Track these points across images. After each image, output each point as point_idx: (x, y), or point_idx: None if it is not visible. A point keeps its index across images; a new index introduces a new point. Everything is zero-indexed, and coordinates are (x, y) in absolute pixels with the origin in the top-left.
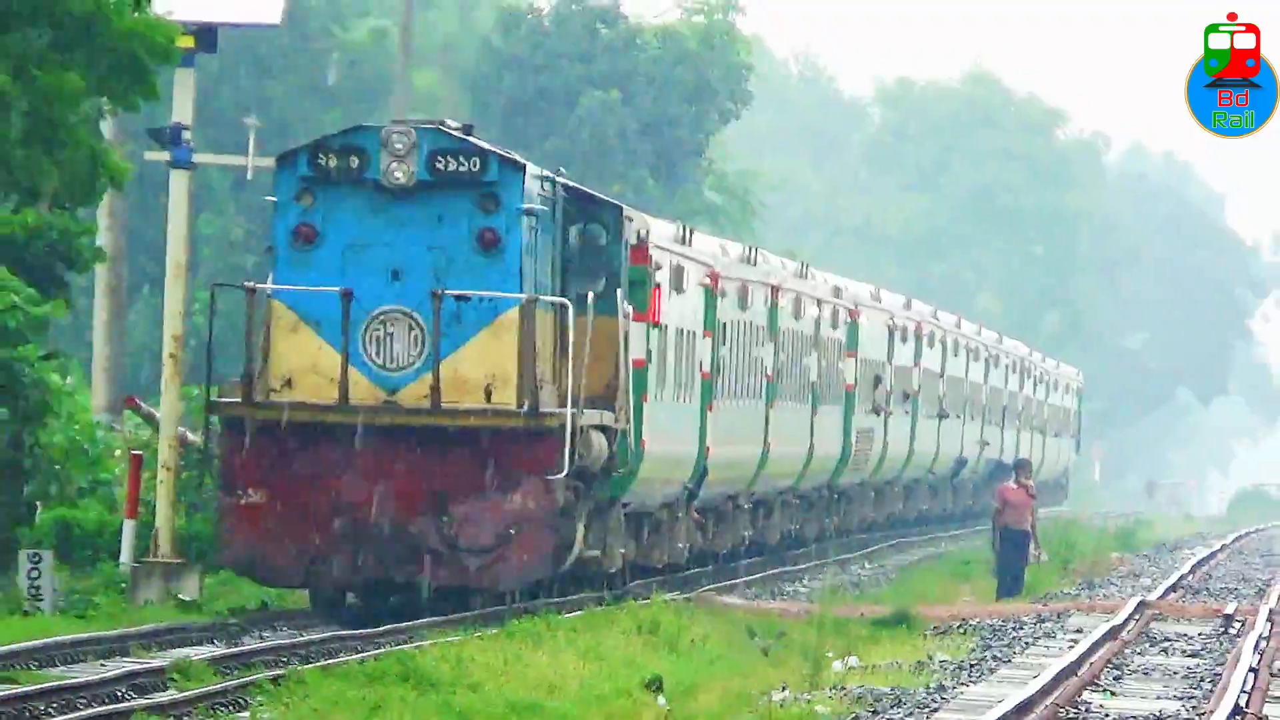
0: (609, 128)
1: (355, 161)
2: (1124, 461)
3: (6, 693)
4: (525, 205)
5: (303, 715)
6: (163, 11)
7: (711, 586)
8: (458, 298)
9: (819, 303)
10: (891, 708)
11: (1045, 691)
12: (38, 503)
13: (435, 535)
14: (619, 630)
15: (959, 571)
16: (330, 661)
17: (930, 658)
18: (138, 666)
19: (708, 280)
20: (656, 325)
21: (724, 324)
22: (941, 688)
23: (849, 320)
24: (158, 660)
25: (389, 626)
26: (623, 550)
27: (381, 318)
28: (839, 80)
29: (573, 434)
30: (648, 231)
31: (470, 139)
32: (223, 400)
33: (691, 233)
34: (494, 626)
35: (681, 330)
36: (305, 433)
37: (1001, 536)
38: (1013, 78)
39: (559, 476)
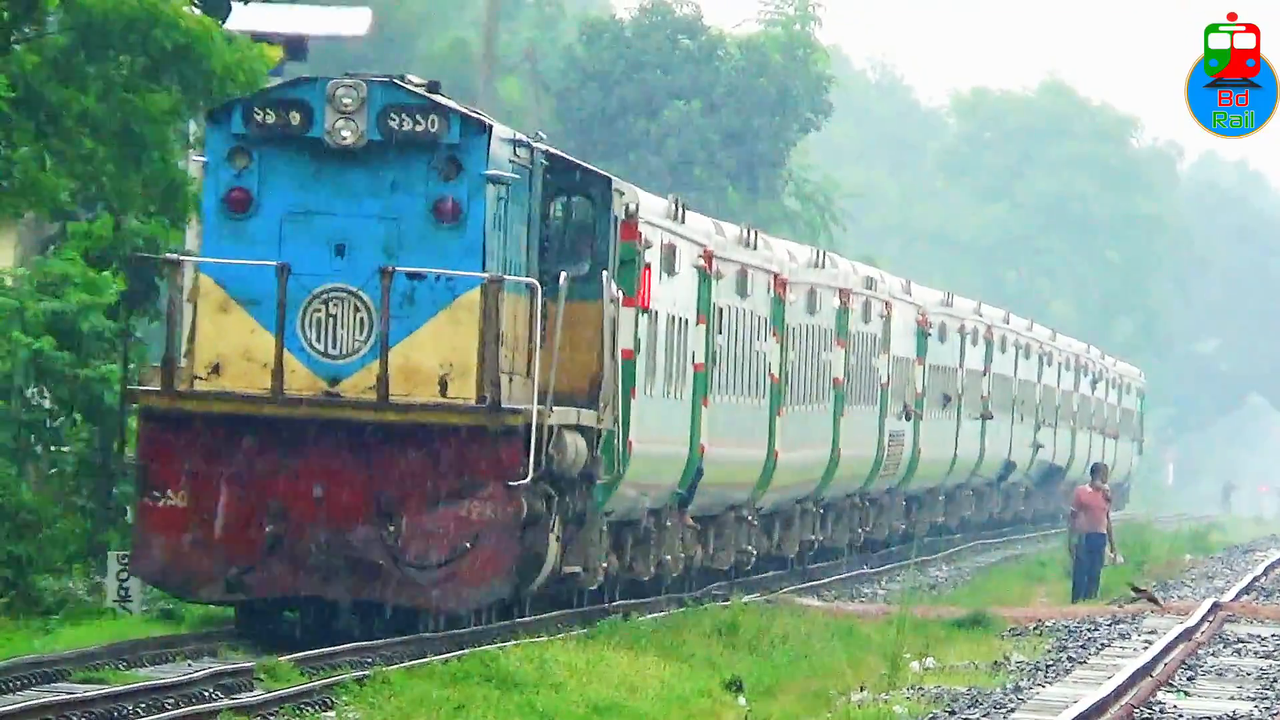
0: (691, 139)
1: (296, 118)
2: (1197, 465)
3: (96, 692)
4: (491, 171)
5: (388, 715)
6: (257, 23)
7: (791, 589)
8: (411, 275)
9: (841, 294)
10: (968, 708)
11: (1120, 692)
12: (126, 506)
13: (379, 548)
14: (699, 631)
15: (1035, 574)
16: (415, 662)
17: (1006, 658)
18: (225, 667)
19: (702, 261)
20: (646, 311)
21: (719, 310)
22: (1018, 688)
23: (883, 314)
24: (245, 661)
25: (472, 629)
26: (605, 565)
27: (323, 297)
28: (916, 90)
29: (540, 434)
30: (637, 205)
31: (429, 94)
32: (141, 389)
33: (684, 208)
34: (578, 627)
35: (673, 317)
36: (233, 427)
37: (1078, 539)
38: (1087, 87)
39: (523, 482)
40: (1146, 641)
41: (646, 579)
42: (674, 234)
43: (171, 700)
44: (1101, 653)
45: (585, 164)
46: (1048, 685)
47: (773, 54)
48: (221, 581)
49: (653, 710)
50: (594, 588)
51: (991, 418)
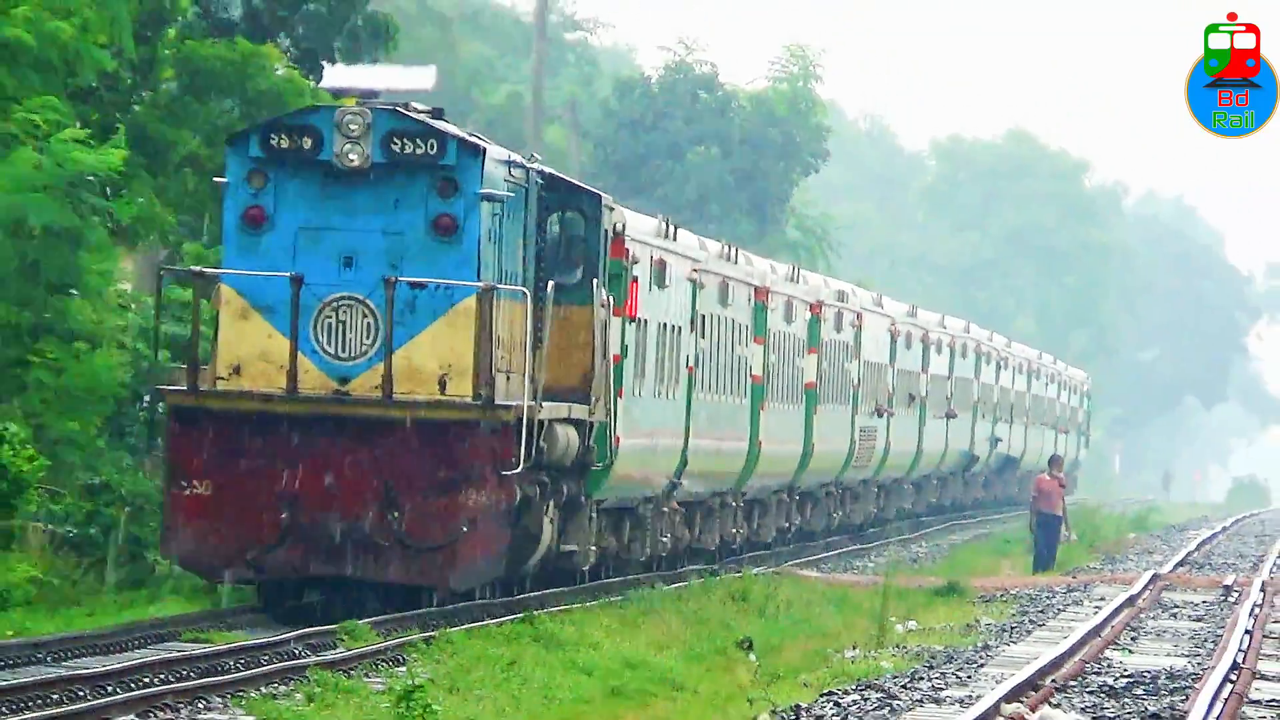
0: (709, 179)
1: (308, 142)
2: (1140, 457)
3: (201, 650)
4: (485, 190)
5: (451, 669)
6: (339, 80)
7: (794, 562)
8: (412, 285)
9: (814, 306)
10: (945, 663)
11: (1074, 650)
12: None
13: (385, 531)
14: (716, 598)
15: (1001, 549)
16: (473, 625)
17: (977, 621)
18: (311, 630)
19: (694, 275)
20: (634, 319)
21: (703, 318)
22: (987, 646)
23: (854, 325)
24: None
25: (522, 596)
26: (594, 546)
27: (333, 305)
28: (900, 136)
29: (530, 427)
30: (624, 224)
31: (428, 120)
32: (169, 388)
33: (676, 228)
34: (614, 595)
35: (664, 325)
36: (252, 423)
37: (1037, 520)
38: (1046, 134)
39: (515, 471)
40: (1096, 607)
41: (643, 559)
42: (665, 250)
43: (266, 657)
44: (1058, 616)
45: (577, 182)
46: (1012, 644)
47: (779, 107)
48: (242, 562)
49: (677, 665)
50: (587, 566)
51: (955, 416)
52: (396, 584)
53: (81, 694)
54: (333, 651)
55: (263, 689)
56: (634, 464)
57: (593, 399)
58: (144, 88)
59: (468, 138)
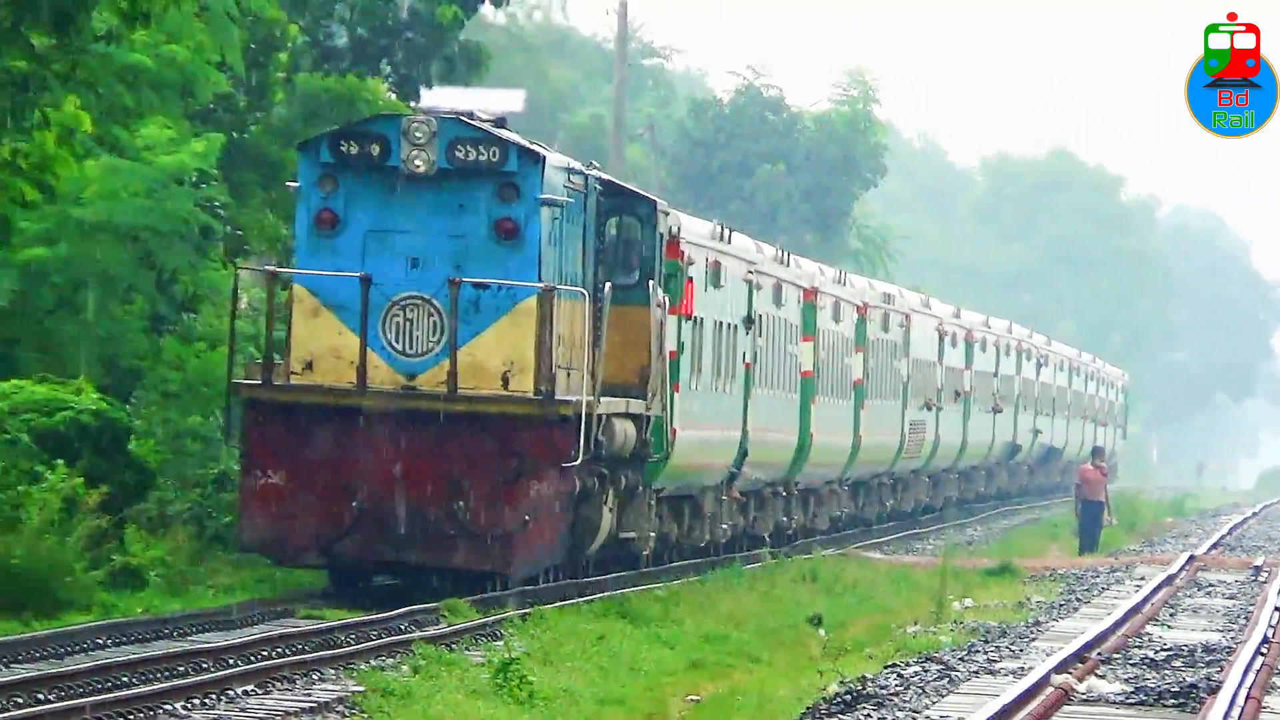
0: (776, 193)
1: (376, 149)
2: (1176, 449)
3: (317, 626)
4: (545, 195)
5: (545, 643)
6: (435, 102)
7: (859, 544)
8: (476, 285)
9: (861, 307)
10: (999, 638)
11: (1116, 625)
12: None
13: (450, 520)
14: (788, 578)
15: (1049, 533)
16: (564, 602)
17: (1028, 599)
18: (417, 607)
19: (749, 276)
20: (690, 318)
21: (760, 317)
22: (1037, 623)
23: (902, 325)
24: (432, 603)
25: (611, 575)
26: (654, 532)
27: (401, 304)
28: (950, 153)
29: (588, 421)
30: (679, 228)
31: (490, 129)
32: (244, 382)
33: (730, 232)
34: (694, 575)
35: (720, 323)
36: (324, 416)
37: (1082, 506)
38: (1085, 151)
39: (574, 463)
40: (1137, 586)
41: (702, 544)
42: (720, 253)
43: (375, 632)
44: (1102, 594)
45: (633, 187)
46: (1060, 620)
47: (840, 127)
48: (314, 549)
49: (752, 640)
50: (647, 551)
51: (1000, 411)
52: (461, 570)
53: (205, 666)
54: (436, 627)
55: (372, 662)
56: (691, 455)
57: (649, 394)
58: (258, 109)
59: (528, 145)
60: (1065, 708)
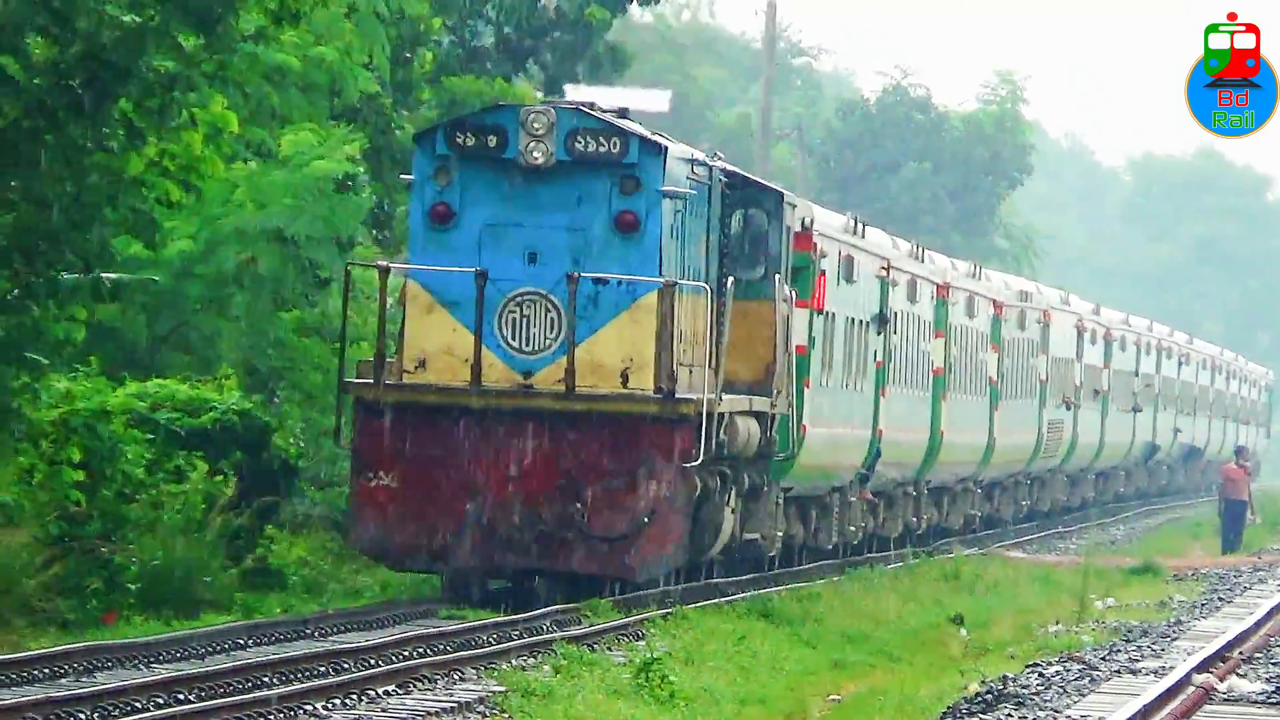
0: (923, 193)
1: (493, 140)
2: None
3: (456, 626)
4: (667, 188)
5: (686, 643)
6: (577, 100)
7: (1000, 545)
8: (595, 281)
9: (997, 303)
10: (1140, 637)
11: (1259, 625)
12: None
13: (567, 522)
14: (929, 577)
15: (1192, 532)
16: (705, 602)
17: (1170, 598)
18: (558, 608)
19: (883, 272)
20: (821, 312)
21: (894, 314)
22: (1179, 622)
23: (1040, 321)
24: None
25: (749, 576)
26: (779, 533)
27: (517, 300)
28: (1097, 153)
29: (710, 419)
30: (812, 219)
31: (610, 119)
32: (356, 381)
33: (864, 226)
34: (834, 575)
35: (852, 319)
36: (437, 415)
37: (1225, 505)
38: (1232, 150)
39: (695, 463)
40: None
41: (829, 546)
42: (853, 247)
43: (517, 632)
44: (1244, 594)
45: (759, 179)
46: (1202, 620)
47: (987, 126)
48: (427, 552)
49: (893, 639)
50: (773, 553)
51: (1140, 410)
52: (580, 575)
53: (346, 666)
54: (578, 627)
55: (513, 661)
56: (820, 454)
57: (774, 391)
58: (403, 107)
59: (649, 136)
60: (1206, 707)
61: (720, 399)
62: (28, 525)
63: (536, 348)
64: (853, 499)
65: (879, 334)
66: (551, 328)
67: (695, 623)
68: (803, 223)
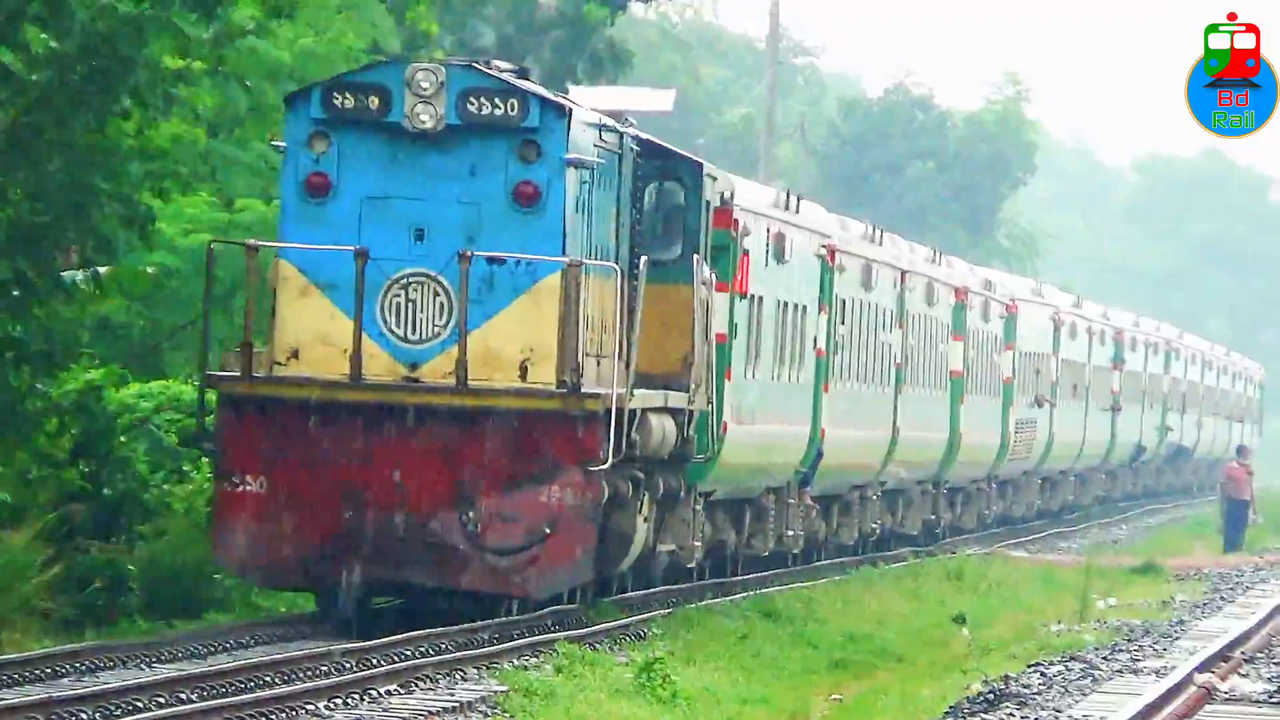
0: (926, 192)
1: (375, 102)
2: None
3: (458, 627)
4: (572, 155)
5: (688, 643)
6: (586, 100)
7: (1003, 544)
8: (490, 260)
9: (959, 291)
10: (1143, 637)
11: (1261, 624)
12: None
13: (458, 533)
14: (932, 577)
15: (1193, 532)
16: (707, 602)
17: (1172, 598)
18: (561, 608)
19: (822, 252)
20: (744, 296)
21: (843, 301)
22: (1181, 621)
23: (1005, 314)
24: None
25: (750, 575)
26: (699, 543)
27: (402, 282)
28: (1101, 152)
29: (619, 417)
30: (732, 192)
31: (508, 79)
32: (220, 374)
33: (799, 200)
34: (837, 575)
35: (785, 304)
36: (311, 413)
37: (1227, 505)
38: (1236, 150)
39: (603, 466)
40: None
41: (765, 554)
42: (785, 223)
43: (518, 631)
44: (1246, 593)
45: (676, 148)
46: (1204, 619)
47: (991, 126)
48: (299, 569)
49: (896, 639)
50: (692, 564)
51: (1121, 409)
52: (470, 592)
53: (348, 666)
54: (582, 628)
55: (515, 661)
56: (745, 454)
57: (692, 385)
58: None
59: (552, 97)
60: (1208, 707)
61: (631, 394)
62: (29, 524)
63: (424, 336)
64: (791, 502)
65: (818, 319)
66: (441, 313)
67: (697, 621)
68: (722, 196)
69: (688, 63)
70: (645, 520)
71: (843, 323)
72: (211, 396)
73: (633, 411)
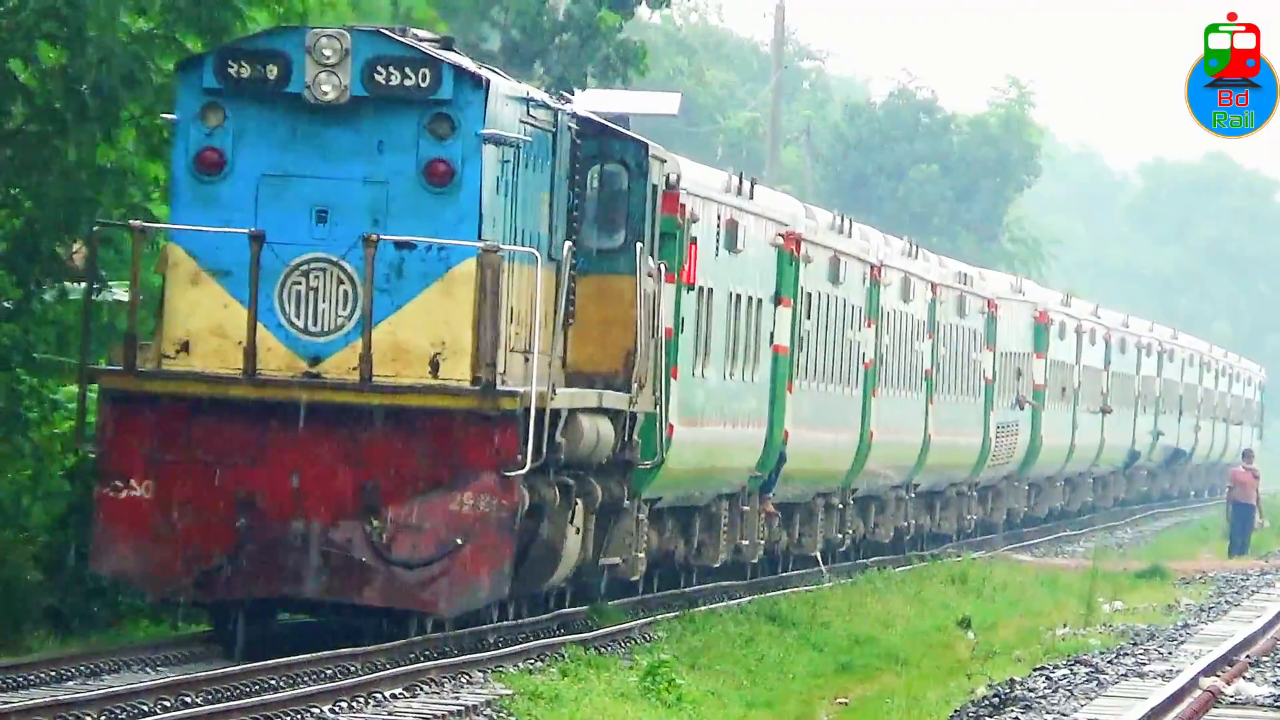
0: (930, 195)
1: (274, 71)
2: None
3: (465, 630)
4: (489, 130)
5: (694, 646)
6: (592, 104)
7: (1006, 548)
8: (399, 245)
9: (935, 286)
10: (1148, 640)
11: (1266, 628)
12: None
13: (362, 544)
14: (937, 581)
15: (1199, 536)
16: (713, 606)
17: (1178, 602)
18: (566, 611)
19: (780, 241)
20: (692, 287)
21: (809, 295)
22: (1186, 625)
23: (985, 311)
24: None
25: (756, 579)
26: (643, 555)
27: (303, 268)
28: (1106, 156)
29: (542, 417)
30: (678, 176)
31: (421, 46)
32: (104, 369)
33: (753, 185)
34: (843, 578)
35: (738, 295)
36: (202, 411)
37: (1233, 508)
38: (1240, 154)
39: (520, 471)
40: None
41: (716, 565)
42: (737, 210)
43: (523, 635)
44: (1252, 597)
45: (619, 128)
46: (1210, 623)
47: (995, 129)
48: (189, 580)
49: (901, 642)
50: (636, 577)
51: (1111, 411)
52: (375, 609)
53: (353, 669)
54: (587, 632)
55: (520, 664)
56: (695, 458)
57: (634, 385)
58: None
59: (469, 67)
60: (1213, 711)
61: (553, 392)
62: (34, 527)
63: (326, 328)
64: (745, 509)
65: (775, 312)
66: (345, 303)
67: (703, 625)
68: (667, 180)
69: (693, 66)
70: (578, 531)
71: (808, 318)
72: (94, 393)
73: (557, 412)
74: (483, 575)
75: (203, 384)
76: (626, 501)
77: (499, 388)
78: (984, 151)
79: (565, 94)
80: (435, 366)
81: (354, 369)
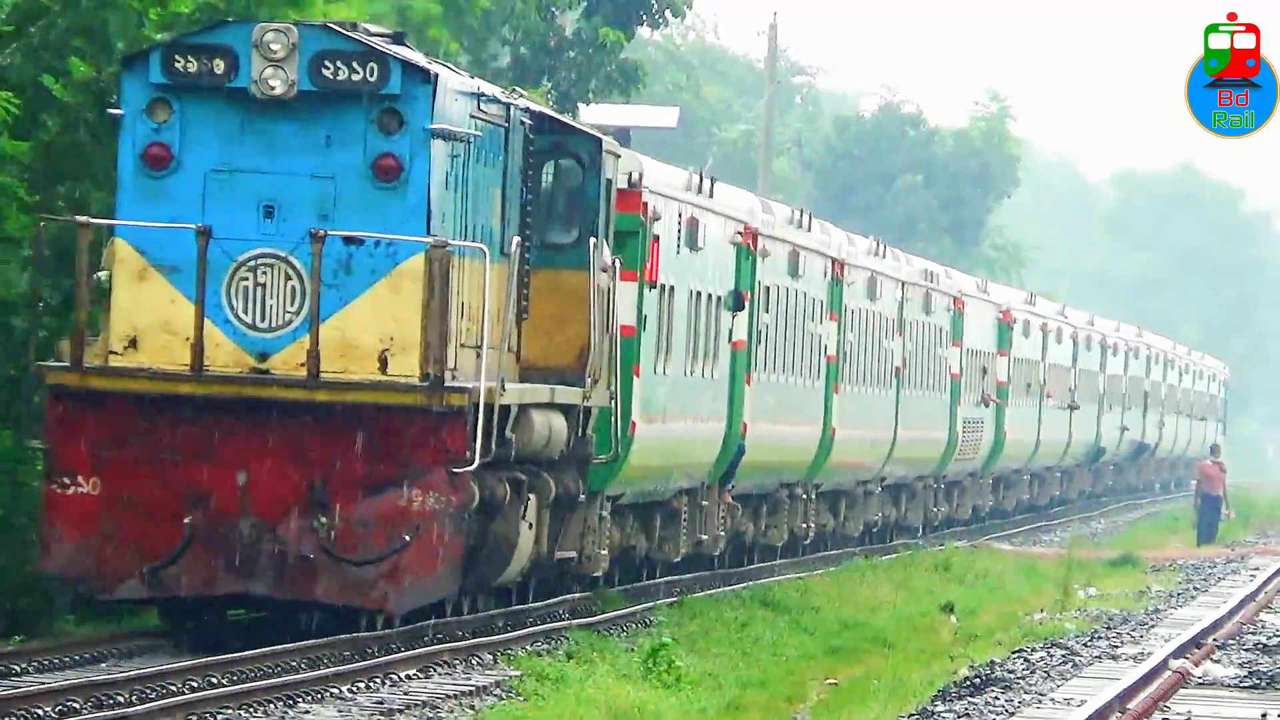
0: (915, 203)
1: (220, 66)
2: None
3: (473, 616)
4: (438, 125)
5: (692, 630)
6: (592, 117)
7: (991, 536)
8: (347, 240)
9: (904, 285)
10: (1120, 625)
11: (1232, 613)
12: None
13: (310, 540)
14: (922, 568)
15: (1168, 526)
16: (710, 592)
17: (1148, 588)
18: (571, 596)
19: (738, 239)
20: (654, 285)
21: (767, 289)
22: (1157, 610)
23: (952, 309)
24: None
25: (751, 567)
26: (604, 550)
27: (250, 264)
28: (1082, 167)
29: (491, 413)
30: (641, 173)
31: (369, 40)
32: (49, 365)
33: (713, 182)
34: (832, 566)
35: (699, 294)
36: (150, 407)
37: (1201, 500)
38: (1209, 165)
39: (470, 467)
40: (1252, 575)
41: (676, 559)
42: (698, 208)
43: (531, 619)
44: (1219, 584)
45: (574, 122)
46: (1179, 608)
47: (977, 141)
48: (137, 578)
49: (888, 626)
50: (599, 572)
51: (1079, 407)
52: (324, 603)
53: (370, 651)
54: (590, 617)
55: (528, 647)
56: (658, 454)
57: (588, 380)
58: None
59: (417, 61)
60: (1182, 691)
61: (502, 388)
62: None
63: (274, 324)
64: (704, 503)
65: (738, 311)
66: (293, 299)
67: (700, 610)
68: (630, 178)
69: (691, 82)
70: (531, 526)
71: (766, 311)
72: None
73: (507, 407)
74: (433, 571)
75: (149, 381)
76: (581, 496)
77: (448, 383)
78: (966, 162)
79: (518, 89)
80: (384, 363)
81: (302, 365)
